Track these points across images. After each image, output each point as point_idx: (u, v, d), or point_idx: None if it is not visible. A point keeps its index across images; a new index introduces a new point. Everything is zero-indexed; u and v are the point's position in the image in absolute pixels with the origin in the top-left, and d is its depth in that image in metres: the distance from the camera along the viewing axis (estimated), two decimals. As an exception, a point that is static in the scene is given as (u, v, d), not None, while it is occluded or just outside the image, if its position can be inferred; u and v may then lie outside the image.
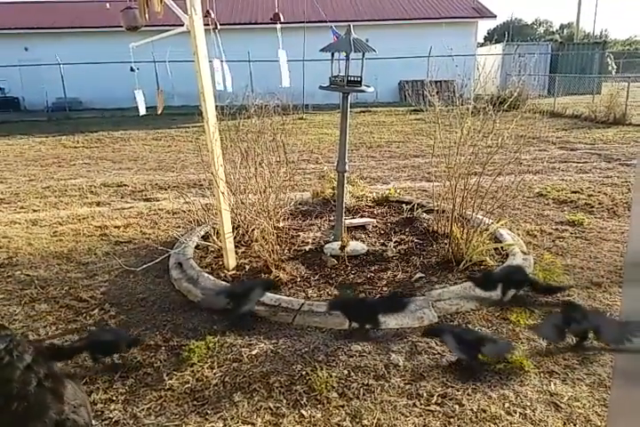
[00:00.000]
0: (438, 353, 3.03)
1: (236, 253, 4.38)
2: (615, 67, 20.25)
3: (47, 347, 3.13)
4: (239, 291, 3.61)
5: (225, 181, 4.12)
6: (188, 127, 14.42)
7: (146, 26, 3.58)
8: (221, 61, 4.06)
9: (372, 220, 5.32)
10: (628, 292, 3.53)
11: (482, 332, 3.24)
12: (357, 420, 2.51)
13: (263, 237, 4.24)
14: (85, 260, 4.70)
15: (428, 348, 3.08)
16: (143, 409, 2.62)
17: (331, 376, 2.81)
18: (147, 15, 3.44)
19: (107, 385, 2.80)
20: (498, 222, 4.64)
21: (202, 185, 6.95)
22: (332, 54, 4.22)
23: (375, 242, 4.78)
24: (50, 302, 3.85)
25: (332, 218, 5.33)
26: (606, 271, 4.13)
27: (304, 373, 2.86)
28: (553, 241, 4.90)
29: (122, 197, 7.10)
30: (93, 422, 2.51)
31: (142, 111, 4.32)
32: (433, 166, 7.50)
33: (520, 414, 2.53)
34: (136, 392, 2.75)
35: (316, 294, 3.79)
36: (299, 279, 4.03)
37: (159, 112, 4.32)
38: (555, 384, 2.73)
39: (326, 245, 4.62)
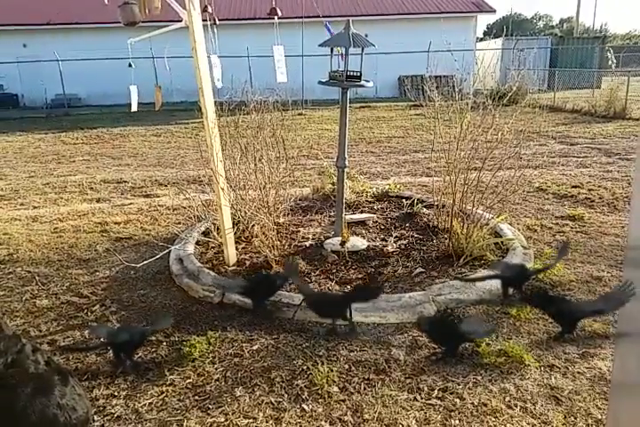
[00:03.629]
0: (439, 347, 3.03)
1: (237, 248, 4.38)
2: (615, 61, 20.18)
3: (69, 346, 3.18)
4: (263, 284, 3.61)
5: (225, 177, 4.11)
6: (188, 123, 14.39)
7: (144, 21, 3.55)
8: (212, 55, 4.04)
9: (373, 215, 5.32)
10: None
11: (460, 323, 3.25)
12: (358, 414, 2.52)
13: (263, 233, 4.24)
14: (86, 256, 4.71)
15: (428, 342, 3.09)
16: (145, 404, 2.62)
17: (332, 371, 2.82)
18: (147, 10, 3.42)
19: (108, 381, 2.81)
20: (498, 217, 4.64)
21: (202, 181, 6.96)
22: (332, 49, 4.20)
23: (375, 237, 4.78)
24: (51, 299, 3.86)
25: (332, 213, 5.33)
26: (607, 265, 4.13)
27: (305, 367, 2.87)
28: (553, 236, 4.90)
29: (122, 194, 7.10)
30: (95, 417, 2.52)
31: (134, 108, 4.31)
32: (433, 161, 7.51)
33: (521, 407, 2.53)
34: (138, 388, 2.75)
35: (316, 290, 3.79)
36: (299, 275, 4.03)
37: (157, 108, 4.30)
38: (555, 378, 2.74)
39: (326, 241, 4.62)
